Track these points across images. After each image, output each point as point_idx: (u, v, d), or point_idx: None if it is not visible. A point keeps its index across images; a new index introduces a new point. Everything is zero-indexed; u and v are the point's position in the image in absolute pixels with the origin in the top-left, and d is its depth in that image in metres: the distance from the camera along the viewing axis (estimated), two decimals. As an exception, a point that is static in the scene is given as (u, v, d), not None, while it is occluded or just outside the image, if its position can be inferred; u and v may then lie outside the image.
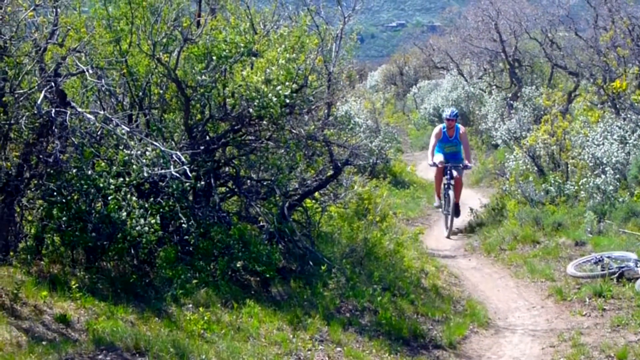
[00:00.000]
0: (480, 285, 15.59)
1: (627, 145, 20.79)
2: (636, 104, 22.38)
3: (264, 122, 13.23)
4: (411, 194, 25.93)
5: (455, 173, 21.45)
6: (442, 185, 21.71)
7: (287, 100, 12.88)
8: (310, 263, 13.39)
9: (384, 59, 64.53)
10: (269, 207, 14.02)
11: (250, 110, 12.98)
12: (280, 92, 12.71)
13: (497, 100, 32.82)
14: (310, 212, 15.30)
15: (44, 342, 9.16)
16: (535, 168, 22.96)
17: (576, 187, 20.05)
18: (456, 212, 21.42)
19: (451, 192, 21.13)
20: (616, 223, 17.83)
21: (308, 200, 15.21)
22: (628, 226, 17.36)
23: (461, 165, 21.71)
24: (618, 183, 19.47)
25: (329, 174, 14.86)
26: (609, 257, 14.69)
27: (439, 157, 21.71)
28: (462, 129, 22.19)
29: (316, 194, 15.26)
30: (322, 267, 13.06)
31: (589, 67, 27.32)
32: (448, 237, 21.17)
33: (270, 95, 12.68)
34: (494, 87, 37.10)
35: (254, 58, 13.54)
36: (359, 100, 30.73)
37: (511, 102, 30.59)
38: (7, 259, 10.94)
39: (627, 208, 18.20)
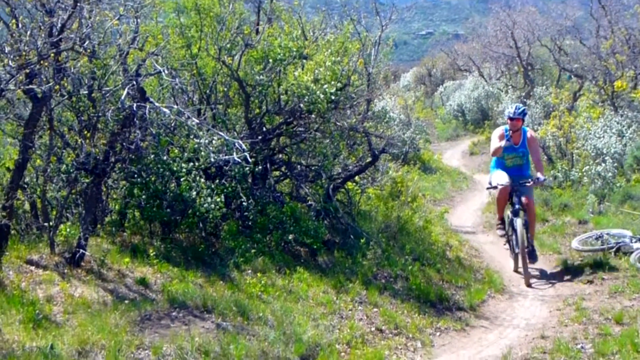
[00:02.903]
0: (497, 257, 15.51)
1: (624, 138, 21.29)
2: (632, 103, 22.69)
3: (313, 115, 13.24)
4: (438, 179, 25.76)
5: (524, 199, 13.91)
6: (506, 216, 14.43)
7: (333, 97, 12.90)
8: (351, 236, 13.42)
9: (414, 63, 64.16)
10: (316, 189, 14.11)
11: (301, 105, 13.00)
12: (327, 90, 12.73)
13: (512, 98, 32.72)
14: (351, 193, 15.39)
15: (126, 301, 9.25)
16: (545, 157, 22.78)
17: (580, 174, 20.02)
18: (531, 255, 14.00)
19: (519, 225, 13.55)
20: (614, 205, 17.86)
21: (349, 183, 15.26)
22: (624, 207, 17.38)
23: (530, 181, 13.97)
24: (616, 170, 19.62)
25: (367, 160, 14.88)
26: (607, 233, 14.62)
27: (501, 176, 14.10)
28: (530, 132, 14.33)
29: (356, 177, 15.29)
30: (361, 240, 13.09)
31: (591, 70, 27.30)
32: (528, 284, 13.41)
33: (318, 92, 12.70)
34: (510, 87, 37.04)
35: (304, 60, 13.56)
36: (394, 97, 30.63)
37: (524, 100, 30.47)
38: (96, 230, 11.05)
39: (624, 192, 18.39)
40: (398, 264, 12.76)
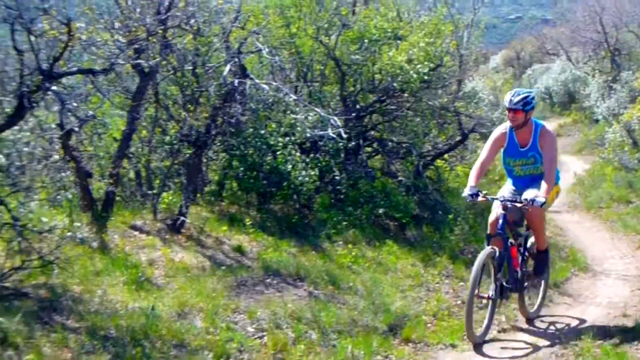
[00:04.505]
0: (581, 237, 15.21)
1: None
2: None
3: (405, 94, 13.16)
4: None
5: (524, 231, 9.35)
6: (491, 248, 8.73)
7: (425, 77, 12.82)
8: (439, 212, 13.31)
9: (503, 46, 63.16)
10: (407, 165, 14.03)
11: (394, 84, 12.95)
12: (420, 70, 12.67)
13: (599, 82, 32.06)
14: (441, 170, 15.24)
15: (223, 267, 9.30)
16: (630, 140, 22.21)
17: (664, 157, 19.54)
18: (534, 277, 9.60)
19: (479, 257, 8.54)
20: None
21: (439, 161, 15.12)
22: None
23: (520, 201, 8.66)
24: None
25: (457, 139, 14.74)
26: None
27: (503, 189, 9.38)
28: (546, 127, 8.97)
29: (446, 155, 15.16)
30: (449, 216, 12.94)
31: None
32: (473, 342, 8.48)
33: (411, 72, 12.65)
34: (597, 71, 36.23)
35: (398, 41, 13.50)
36: (483, 79, 30.30)
37: (611, 84, 29.85)
38: (196, 199, 11.12)
39: None
40: (484, 239, 12.57)
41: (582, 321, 9.27)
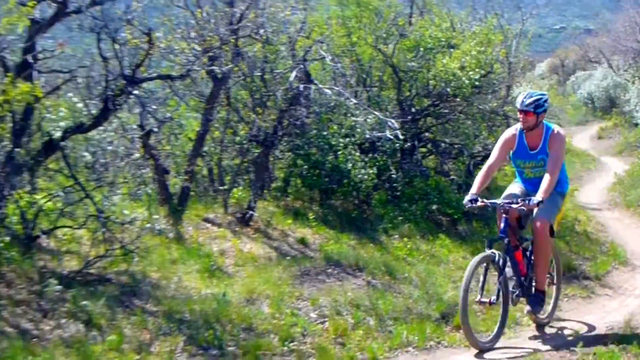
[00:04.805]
0: (621, 232, 14.94)
1: None
2: None
3: (458, 99, 13.05)
4: (568, 160, 24.90)
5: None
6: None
7: (476, 83, 12.70)
8: (489, 209, 13.14)
9: (548, 54, 62.46)
10: (459, 165, 13.94)
11: (448, 89, 12.84)
12: (471, 76, 12.55)
13: (638, 88, 31.59)
14: (490, 169, 15.05)
15: (288, 258, 9.29)
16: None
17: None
18: (532, 301, 8.26)
19: (472, 262, 7.75)
20: None
21: (488, 161, 14.96)
22: None
23: (519, 201, 7.77)
24: None
25: (505, 140, 14.58)
26: None
27: (511, 189, 8.43)
28: (556, 129, 8.02)
29: (495, 156, 14.98)
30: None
31: None
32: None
33: (463, 78, 12.54)
34: (637, 78, 35.71)
35: (452, 50, 13.36)
36: (530, 85, 29.94)
37: (644, 90, 29.49)
38: (263, 195, 11.12)
39: None
40: (531, 234, 12.41)
41: (592, 327, 8.78)
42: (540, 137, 7.90)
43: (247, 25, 10.02)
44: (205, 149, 10.97)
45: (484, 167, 8.13)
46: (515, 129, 8.08)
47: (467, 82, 12.49)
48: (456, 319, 8.50)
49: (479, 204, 7.86)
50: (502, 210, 7.86)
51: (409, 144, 12.83)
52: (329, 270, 9.25)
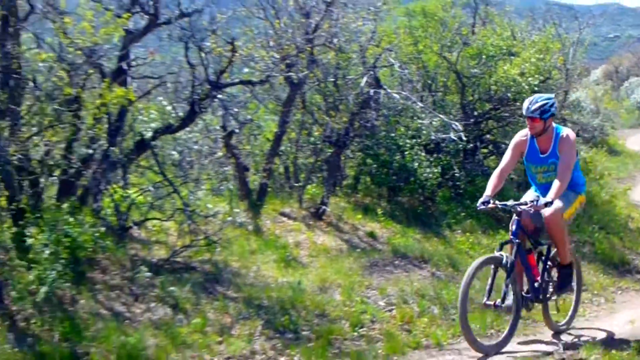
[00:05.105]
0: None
1: None
2: None
3: (517, 103, 12.79)
4: (621, 160, 24.37)
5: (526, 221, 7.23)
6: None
7: (535, 88, 12.37)
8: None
9: (603, 61, 61.38)
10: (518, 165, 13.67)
11: (508, 94, 12.61)
12: (531, 82, 12.32)
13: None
14: (548, 169, 14.80)
15: (358, 250, 9.25)
16: None
17: None
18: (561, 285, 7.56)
19: (474, 264, 7.00)
20: None
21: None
22: None
23: (535, 203, 6.90)
24: None
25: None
26: None
27: (528, 194, 7.61)
28: (566, 132, 7.19)
29: (552, 157, 14.71)
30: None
31: None
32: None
33: (523, 84, 12.31)
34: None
35: (512, 57, 13.13)
36: (585, 90, 29.41)
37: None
38: (335, 191, 11.08)
39: None
40: (586, 231, 12.13)
41: (610, 334, 7.95)
42: (550, 141, 7.14)
43: (322, 34, 9.99)
44: (282, 148, 11.00)
45: (496, 170, 7.38)
46: (525, 133, 7.32)
47: (526, 87, 12.25)
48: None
49: (490, 205, 7.11)
50: (515, 213, 7.08)
51: (471, 145, 12.64)
52: (396, 262, 9.18)
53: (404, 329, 7.47)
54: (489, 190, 7.17)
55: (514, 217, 7.08)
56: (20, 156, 6.56)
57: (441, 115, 11.12)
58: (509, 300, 6.97)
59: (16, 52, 6.60)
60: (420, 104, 11.20)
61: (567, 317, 7.97)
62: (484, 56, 12.84)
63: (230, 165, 9.66)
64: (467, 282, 6.72)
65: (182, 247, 7.71)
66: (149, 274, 7.04)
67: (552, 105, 7.05)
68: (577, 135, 14.11)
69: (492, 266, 6.93)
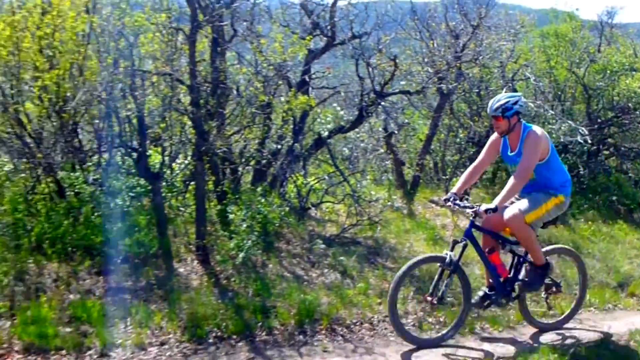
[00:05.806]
0: None
1: None
2: None
3: (637, 112, 12.09)
4: None
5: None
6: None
7: (654, 100, 11.71)
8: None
9: None
10: (636, 165, 12.91)
11: (629, 104, 11.90)
12: (652, 93, 11.60)
13: None
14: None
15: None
16: None
17: None
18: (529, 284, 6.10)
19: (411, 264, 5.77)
20: None
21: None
22: None
23: (476, 208, 5.64)
24: None
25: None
26: None
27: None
28: (534, 130, 5.69)
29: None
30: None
31: None
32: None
33: (644, 95, 11.63)
34: None
35: (634, 72, 12.38)
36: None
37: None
38: (476, 184, 10.81)
39: None
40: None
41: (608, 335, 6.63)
42: (518, 139, 5.75)
43: (469, 53, 9.82)
44: (432, 147, 10.95)
45: (470, 167, 6.05)
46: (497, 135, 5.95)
47: (647, 98, 11.57)
48: (631, 287, 7.94)
49: (448, 203, 5.91)
50: (472, 214, 5.78)
51: (594, 147, 12.03)
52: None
53: (532, 300, 7.11)
54: (455, 188, 5.98)
55: (470, 218, 5.84)
56: (224, 149, 6.80)
57: (569, 122, 10.66)
58: (447, 298, 5.98)
59: (223, 67, 6.84)
60: (551, 112, 10.78)
61: (562, 316, 6.68)
62: (608, 71, 12.18)
63: (390, 160, 9.71)
64: (397, 280, 5.63)
65: (349, 225, 7.77)
66: (323, 245, 7.17)
67: (515, 103, 5.72)
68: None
69: (439, 265, 5.78)
